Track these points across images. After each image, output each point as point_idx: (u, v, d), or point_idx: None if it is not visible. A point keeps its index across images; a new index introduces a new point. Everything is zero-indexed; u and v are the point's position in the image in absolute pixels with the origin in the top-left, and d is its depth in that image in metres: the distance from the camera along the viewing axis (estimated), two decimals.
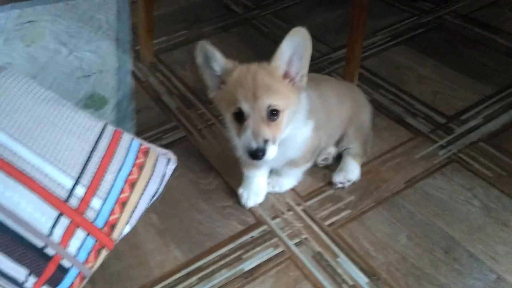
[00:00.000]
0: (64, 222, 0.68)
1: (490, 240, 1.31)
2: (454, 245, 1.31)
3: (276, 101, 1.12)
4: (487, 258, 1.27)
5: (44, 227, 0.66)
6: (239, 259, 1.33)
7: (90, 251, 0.69)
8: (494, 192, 1.43)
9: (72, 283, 0.68)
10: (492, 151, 1.57)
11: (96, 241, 0.70)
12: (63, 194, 0.68)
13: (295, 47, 1.11)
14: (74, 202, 0.69)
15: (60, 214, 0.67)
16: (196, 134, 1.73)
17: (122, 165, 0.77)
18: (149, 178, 0.79)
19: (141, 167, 0.79)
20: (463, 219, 1.37)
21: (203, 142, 1.70)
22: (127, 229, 0.75)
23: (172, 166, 0.85)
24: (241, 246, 1.36)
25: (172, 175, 1.52)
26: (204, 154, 1.65)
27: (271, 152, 1.15)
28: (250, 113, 1.12)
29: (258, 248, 1.35)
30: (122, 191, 0.74)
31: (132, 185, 0.76)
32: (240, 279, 1.27)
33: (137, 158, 0.80)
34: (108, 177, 0.74)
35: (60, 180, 0.69)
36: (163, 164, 0.83)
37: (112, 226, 0.72)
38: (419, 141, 1.63)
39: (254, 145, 1.12)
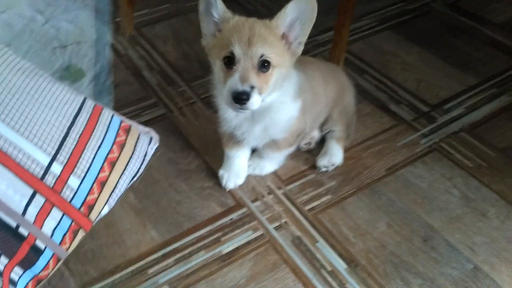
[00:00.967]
0: (39, 201, 0.64)
1: (468, 230, 1.32)
2: (432, 233, 1.31)
3: (269, 53, 1.10)
4: (464, 248, 1.28)
5: (18, 206, 0.62)
6: (217, 241, 1.30)
7: (66, 232, 0.66)
8: (473, 183, 1.44)
9: (47, 265, 0.64)
10: (473, 141, 1.57)
11: (73, 221, 0.66)
12: (38, 171, 0.64)
13: (300, 11, 1.10)
14: (50, 180, 0.65)
15: (35, 192, 0.63)
16: (177, 112, 1.68)
17: (101, 143, 0.73)
18: (130, 158, 0.75)
19: (121, 146, 0.75)
20: (442, 208, 1.38)
21: (184, 120, 1.65)
22: (105, 210, 0.72)
23: (154, 145, 0.81)
24: (220, 228, 1.34)
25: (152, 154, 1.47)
26: (184, 133, 1.61)
27: (255, 100, 1.11)
28: (241, 57, 1.10)
29: (237, 231, 1.33)
30: (101, 170, 0.71)
31: (112, 164, 0.72)
32: (218, 262, 1.25)
33: (117, 136, 0.76)
34: (87, 155, 0.70)
35: (36, 156, 0.65)
36: (145, 143, 0.79)
37: (90, 207, 0.68)
38: (401, 128, 1.63)
39: (240, 87, 1.09)
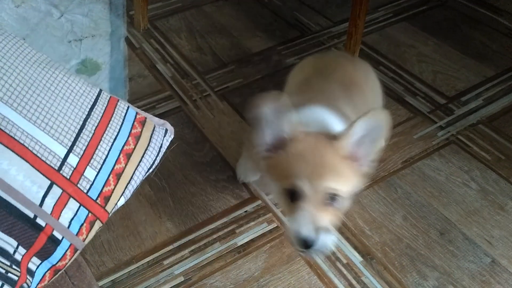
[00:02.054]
0: (56, 192, 0.64)
1: (486, 224, 1.30)
2: (449, 227, 1.30)
3: (338, 185, 0.95)
4: (482, 241, 1.26)
5: (35, 197, 0.62)
6: (232, 233, 1.31)
7: (83, 223, 0.66)
8: (492, 175, 1.42)
9: (64, 255, 0.65)
10: (491, 134, 1.55)
11: (89, 213, 0.67)
12: (55, 163, 0.64)
13: (369, 129, 0.92)
14: (67, 171, 0.65)
15: (52, 184, 0.63)
16: (191, 105, 1.68)
17: (117, 135, 0.73)
18: (146, 150, 0.75)
19: (137, 138, 0.75)
20: (459, 201, 1.36)
21: (198, 113, 1.65)
22: (121, 201, 0.72)
23: (169, 137, 0.81)
24: (235, 221, 1.34)
25: (167, 147, 1.48)
26: (198, 126, 1.61)
27: (323, 242, 0.96)
28: (307, 195, 0.94)
29: (252, 223, 1.33)
30: (117, 162, 0.71)
31: (128, 156, 0.72)
32: (233, 253, 1.26)
33: (133, 128, 0.76)
34: (103, 146, 0.70)
35: (52, 147, 0.65)
36: (160, 136, 0.79)
37: (106, 198, 0.68)
38: (418, 121, 1.61)
39: (304, 232, 0.94)
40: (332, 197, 0.94)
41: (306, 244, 0.94)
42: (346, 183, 0.97)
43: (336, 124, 1.04)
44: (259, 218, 1.34)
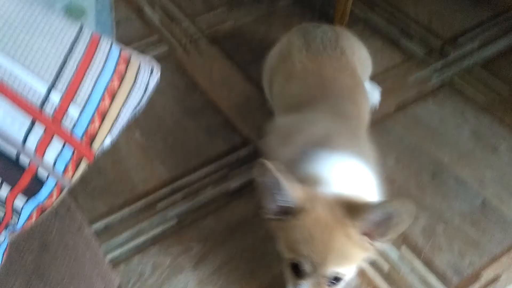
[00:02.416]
0: (39, 130, 0.62)
1: (478, 165, 1.30)
2: (442, 169, 1.30)
3: (344, 270, 0.89)
4: (474, 182, 1.27)
5: (17, 135, 0.60)
6: (224, 177, 1.31)
7: (69, 162, 0.65)
8: (485, 118, 1.41)
9: (50, 193, 0.64)
10: (487, 76, 1.52)
11: (75, 151, 0.65)
12: (36, 100, 0.62)
13: (391, 215, 0.84)
14: (49, 109, 0.63)
15: (34, 121, 0.61)
16: (180, 50, 1.64)
17: (101, 72, 0.70)
18: (131, 88, 0.73)
19: (122, 76, 0.72)
20: (452, 143, 1.35)
21: (188, 58, 1.61)
22: (108, 140, 0.70)
23: (155, 76, 0.78)
24: (227, 165, 1.33)
25: (155, 90, 1.45)
26: (189, 71, 1.57)
27: None
28: (310, 275, 0.89)
29: (244, 167, 1.32)
30: (102, 100, 0.68)
31: (113, 94, 0.70)
32: (225, 197, 1.26)
33: (117, 65, 0.73)
34: (86, 84, 0.67)
35: (33, 84, 0.63)
36: (146, 74, 0.76)
37: (92, 137, 0.67)
38: (413, 64, 1.58)
39: None
40: (335, 279, 0.89)
41: None
42: (352, 264, 0.91)
43: (355, 175, 0.95)
44: (252, 162, 1.33)
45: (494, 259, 1.14)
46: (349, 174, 0.95)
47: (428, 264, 1.13)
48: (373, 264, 1.13)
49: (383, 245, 0.90)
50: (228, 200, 1.25)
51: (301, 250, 0.87)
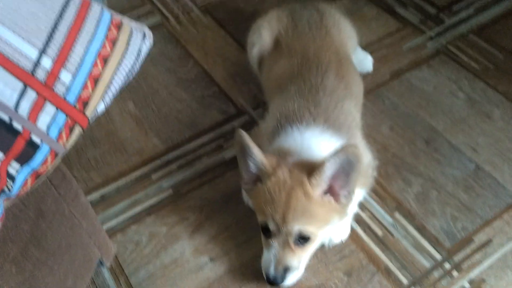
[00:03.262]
0: (31, 95, 0.62)
1: (471, 132, 1.31)
2: (435, 136, 1.30)
3: (308, 227, 0.93)
4: (467, 149, 1.27)
5: (9, 100, 0.60)
6: (219, 148, 1.31)
7: (62, 128, 0.64)
8: (479, 85, 1.41)
9: (44, 160, 0.64)
10: (482, 43, 1.52)
11: (68, 117, 0.65)
12: (27, 65, 0.61)
13: (342, 164, 0.90)
14: (40, 74, 0.62)
15: (26, 87, 0.61)
16: (173, 20, 1.62)
17: (92, 38, 0.69)
18: (124, 54, 0.72)
19: (113, 41, 0.71)
20: (446, 111, 1.36)
21: (181, 29, 1.59)
22: (101, 106, 0.70)
23: (148, 42, 0.77)
24: (222, 135, 1.33)
25: (148, 61, 1.44)
26: (181, 42, 1.56)
27: (291, 279, 0.99)
28: (276, 234, 0.95)
29: None
30: (94, 66, 0.68)
31: (105, 60, 0.69)
32: (221, 167, 1.26)
33: (109, 31, 0.72)
34: (78, 49, 0.66)
35: (24, 49, 0.62)
36: (138, 39, 0.75)
37: (85, 103, 0.66)
38: (407, 31, 1.57)
39: (271, 272, 0.96)
40: (302, 238, 0.94)
41: (272, 282, 0.97)
42: (317, 223, 0.94)
43: (321, 145, 0.98)
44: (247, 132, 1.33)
45: (486, 224, 1.15)
46: (315, 145, 0.99)
47: (421, 229, 1.15)
48: (367, 230, 1.15)
49: (349, 199, 0.94)
50: (224, 170, 1.26)
51: (266, 211, 0.93)
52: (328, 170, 0.90)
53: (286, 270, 0.97)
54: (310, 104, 1.04)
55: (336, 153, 0.87)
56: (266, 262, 0.98)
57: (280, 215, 0.92)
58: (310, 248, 0.99)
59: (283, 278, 0.97)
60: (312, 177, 0.90)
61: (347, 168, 0.89)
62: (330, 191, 0.94)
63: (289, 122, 1.02)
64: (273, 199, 0.92)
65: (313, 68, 1.13)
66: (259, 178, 0.96)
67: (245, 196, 1.19)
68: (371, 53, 1.49)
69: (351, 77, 1.17)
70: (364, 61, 1.43)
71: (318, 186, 0.91)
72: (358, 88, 1.20)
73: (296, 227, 0.92)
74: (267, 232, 0.96)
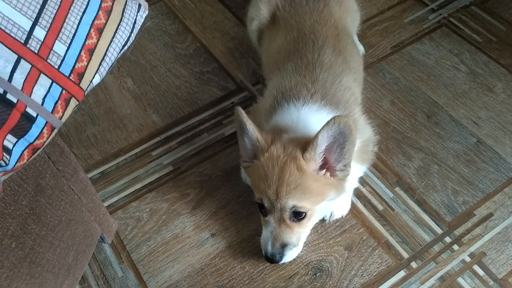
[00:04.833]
0: (25, 67, 0.61)
1: (473, 105, 1.30)
2: (437, 110, 1.29)
3: (302, 203, 0.92)
4: (468, 123, 1.26)
5: (3, 72, 0.59)
6: (219, 124, 1.30)
7: (57, 101, 0.63)
8: (482, 58, 1.39)
9: (41, 133, 0.63)
10: (484, 15, 1.49)
11: (63, 90, 0.64)
12: (21, 36, 0.60)
13: (334, 136, 0.88)
14: (34, 45, 0.61)
15: (20, 58, 0.60)
16: None
17: (86, 8, 0.68)
18: (118, 25, 0.70)
19: (108, 12, 0.70)
20: (448, 84, 1.34)
21: (178, 3, 1.57)
22: (96, 79, 0.68)
23: (143, 13, 0.76)
24: (222, 112, 1.32)
25: (146, 37, 1.42)
26: (179, 16, 1.53)
27: (290, 256, 0.99)
28: (271, 210, 0.94)
29: None
30: (88, 37, 0.66)
31: (100, 31, 0.68)
32: (220, 143, 1.26)
33: (103, 1, 0.70)
34: (71, 19, 0.65)
35: (16, 19, 0.61)
36: (133, 10, 0.74)
37: (80, 75, 0.65)
38: (409, 4, 1.54)
39: (269, 249, 0.96)
40: (297, 213, 0.93)
41: (271, 260, 0.97)
42: (312, 198, 0.93)
43: (318, 122, 0.94)
44: (246, 109, 1.32)
45: (487, 198, 1.15)
46: (312, 122, 0.97)
47: (422, 203, 1.14)
48: (368, 204, 1.15)
49: (345, 173, 0.93)
50: (224, 146, 1.25)
51: (260, 188, 0.93)
52: (321, 143, 0.88)
53: (284, 246, 0.96)
54: (307, 81, 1.03)
55: (327, 124, 0.86)
56: (264, 239, 0.98)
57: (274, 190, 0.91)
58: (308, 224, 0.98)
59: (281, 255, 0.97)
60: (306, 152, 0.89)
61: (340, 139, 0.88)
62: (326, 165, 0.92)
63: (285, 99, 1.01)
64: (267, 175, 0.91)
65: (309, 43, 1.11)
66: (256, 155, 0.95)
67: (243, 174, 1.18)
68: (372, 27, 1.47)
69: (349, 52, 1.15)
70: (358, 45, 1.40)
71: (311, 160, 0.90)
72: (356, 62, 1.17)
73: (290, 202, 0.92)
74: (263, 209, 0.96)
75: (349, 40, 1.18)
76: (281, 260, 0.97)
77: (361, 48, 1.41)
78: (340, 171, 0.93)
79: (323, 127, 0.86)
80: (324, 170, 0.92)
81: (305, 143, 0.90)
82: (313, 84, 1.02)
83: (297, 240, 0.98)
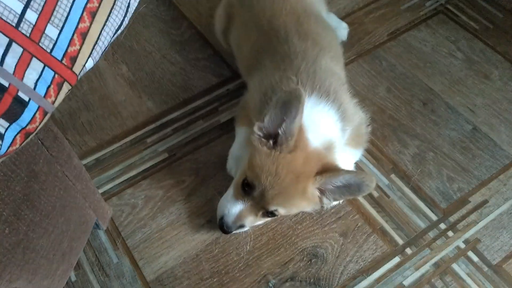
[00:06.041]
0: (17, 50, 0.60)
1: (469, 92, 1.29)
2: (433, 97, 1.29)
3: (283, 210, 0.95)
4: (464, 110, 1.26)
5: None
6: (215, 111, 1.29)
7: (50, 85, 0.63)
8: (478, 45, 1.39)
9: (33, 118, 0.62)
10: (481, 2, 1.48)
11: (56, 74, 0.63)
12: (12, 19, 0.59)
13: (352, 185, 0.90)
14: (26, 28, 0.60)
15: (11, 41, 0.59)
16: None
17: None
18: (112, 8, 0.69)
19: None
20: (444, 71, 1.34)
21: None
22: (89, 63, 0.68)
23: None
24: (217, 99, 1.32)
25: (141, 23, 1.41)
26: (174, 2, 1.52)
27: (235, 233, 1.05)
28: (254, 200, 0.94)
29: (235, 101, 1.31)
30: (81, 21, 0.65)
31: (92, 14, 0.67)
32: (216, 130, 1.25)
33: None
34: (63, 3, 0.64)
35: (7, 2, 0.60)
36: None
37: (73, 59, 0.64)
38: None
39: (229, 223, 0.97)
40: (271, 213, 0.95)
41: (222, 228, 0.98)
42: (292, 209, 0.96)
43: (313, 114, 0.94)
44: (241, 96, 1.32)
45: (483, 185, 1.15)
46: (311, 117, 0.97)
47: (417, 190, 1.14)
48: None
49: (330, 203, 0.95)
50: (219, 133, 1.25)
51: (261, 178, 0.90)
52: (337, 181, 0.90)
53: (241, 227, 0.99)
54: (290, 73, 1.01)
55: (351, 173, 0.89)
56: (227, 208, 0.98)
57: (272, 193, 0.90)
58: (268, 220, 1.04)
59: (232, 230, 0.99)
60: (320, 177, 0.90)
61: (354, 189, 0.90)
62: (323, 190, 0.93)
63: (275, 93, 0.98)
64: (277, 175, 0.89)
65: (273, 39, 1.09)
66: (274, 138, 0.91)
67: (229, 163, 1.15)
68: (369, 13, 1.46)
69: (315, 32, 1.11)
70: (339, 29, 1.38)
71: (317, 184, 0.91)
72: (327, 39, 1.13)
73: (275, 207, 0.93)
74: (247, 190, 0.95)
75: (312, 20, 1.14)
76: (229, 232, 1.00)
77: (343, 30, 1.39)
78: (327, 202, 0.94)
79: (347, 172, 0.89)
80: (317, 191, 0.93)
81: (323, 167, 0.90)
82: (298, 76, 0.99)
83: (250, 226, 1.01)
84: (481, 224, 1.10)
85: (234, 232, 1.00)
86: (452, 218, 1.11)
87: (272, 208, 0.93)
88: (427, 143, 1.21)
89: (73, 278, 1.04)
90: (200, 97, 1.31)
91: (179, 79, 1.35)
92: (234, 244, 1.08)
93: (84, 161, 1.18)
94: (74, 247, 0.93)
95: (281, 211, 0.95)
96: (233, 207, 0.98)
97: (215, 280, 1.03)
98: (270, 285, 1.03)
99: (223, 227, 0.99)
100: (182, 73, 1.36)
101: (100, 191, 1.15)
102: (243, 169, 0.97)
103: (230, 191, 1.00)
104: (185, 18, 1.48)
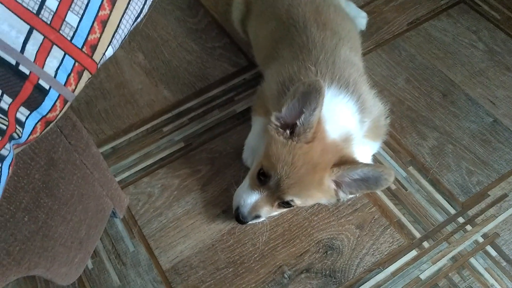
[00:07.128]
0: (38, 38, 0.59)
1: (490, 84, 1.27)
2: (453, 88, 1.27)
3: (299, 200, 0.93)
4: (485, 102, 1.24)
5: (15, 42, 0.57)
6: (231, 101, 1.28)
7: (70, 73, 0.62)
8: (500, 35, 1.36)
9: (53, 106, 0.62)
10: None
11: (76, 62, 0.63)
12: (33, 6, 0.59)
13: (370, 177, 0.88)
14: (46, 16, 0.60)
15: (32, 29, 0.58)
16: None
17: None
18: None
19: None
20: (465, 62, 1.31)
21: None
22: (109, 51, 0.67)
23: None
24: (233, 88, 1.31)
25: (157, 11, 1.40)
26: None
27: (251, 223, 1.03)
28: (269, 188, 0.94)
29: (251, 91, 1.30)
30: (101, 8, 0.65)
31: (113, 2, 0.66)
32: (232, 120, 1.24)
33: None
34: None
35: None
36: None
37: (93, 47, 0.64)
38: None
39: (245, 213, 0.97)
40: (286, 203, 0.94)
41: (237, 218, 0.98)
42: (308, 200, 0.94)
43: (333, 105, 0.93)
44: (258, 85, 1.30)
45: (502, 178, 1.13)
46: (331, 108, 0.95)
47: (435, 183, 1.13)
48: None
49: (346, 197, 0.93)
50: (235, 123, 1.24)
51: (277, 167, 0.90)
52: (354, 174, 0.89)
53: (257, 217, 0.98)
54: (310, 64, 0.99)
55: (369, 166, 0.87)
56: (243, 199, 0.97)
57: (288, 182, 0.90)
58: (284, 211, 1.02)
59: (248, 220, 0.98)
60: (337, 169, 0.88)
61: (371, 182, 0.88)
62: (339, 183, 0.92)
63: (293, 84, 0.97)
64: (293, 165, 0.89)
65: (292, 29, 1.07)
66: (291, 128, 0.90)
67: (245, 154, 1.14)
68: (388, 2, 1.43)
69: (334, 21, 1.09)
70: (358, 18, 1.36)
71: (334, 177, 0.90)
72: (346, 29, 1.11)
73: (291, 197, 0.92)
74: (263, 179, 0.94)
75: (331, 9, 1.12)
76: (244, 222, 1.00)
77: (362, 19, 1.37)
78: (343, 195, 0.93)
79: (365, 165, 0.87)
80: (334, 184, 0.92)
81: (340, 160, 0.89)
82: (316, 66, 0.98)
83: (266, 217, 1.00)
84: (500, 218, 1.08)
85: (250, 222, 1.00)
86: (471, 212, 1.09)
87: (287, 198, 0.93)
88: (446, 136, 1.19)
89: (90, 266, 1.05)
90: (216, 87, 1.31)
91: (195, 68, 1.34)
92: (249, 235, 1.08)
93: (101, 149, 1.18)
94: (92, 235, 0.94)
95: (297, 201, 0.94)
96: (248, 197, 0.97)
97: (230, 270, 1.03)
98: (285, 276, 1.03)
99: (239, 218, 0.98)
100: (198, 62, 1.36)
101: (117, 179, 1.15)
102: (259, 159, 0.97)
103: (246, 182, 1.00)
104: (201, 6, 1.47)
